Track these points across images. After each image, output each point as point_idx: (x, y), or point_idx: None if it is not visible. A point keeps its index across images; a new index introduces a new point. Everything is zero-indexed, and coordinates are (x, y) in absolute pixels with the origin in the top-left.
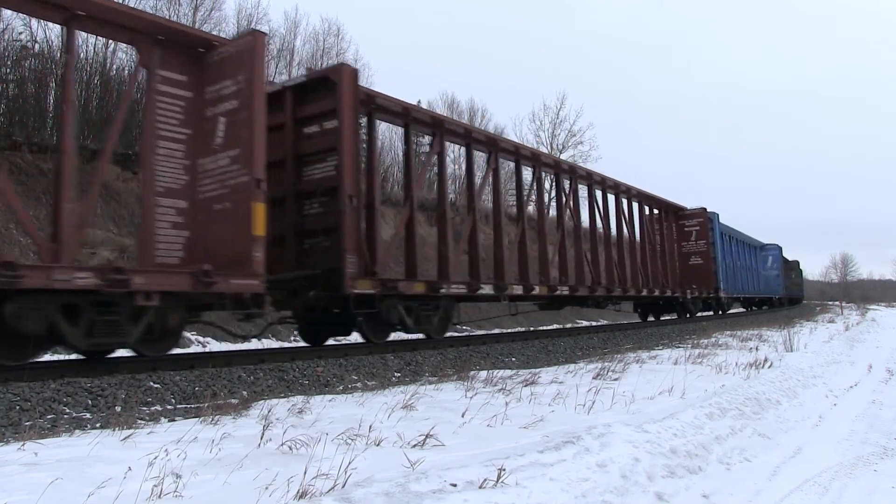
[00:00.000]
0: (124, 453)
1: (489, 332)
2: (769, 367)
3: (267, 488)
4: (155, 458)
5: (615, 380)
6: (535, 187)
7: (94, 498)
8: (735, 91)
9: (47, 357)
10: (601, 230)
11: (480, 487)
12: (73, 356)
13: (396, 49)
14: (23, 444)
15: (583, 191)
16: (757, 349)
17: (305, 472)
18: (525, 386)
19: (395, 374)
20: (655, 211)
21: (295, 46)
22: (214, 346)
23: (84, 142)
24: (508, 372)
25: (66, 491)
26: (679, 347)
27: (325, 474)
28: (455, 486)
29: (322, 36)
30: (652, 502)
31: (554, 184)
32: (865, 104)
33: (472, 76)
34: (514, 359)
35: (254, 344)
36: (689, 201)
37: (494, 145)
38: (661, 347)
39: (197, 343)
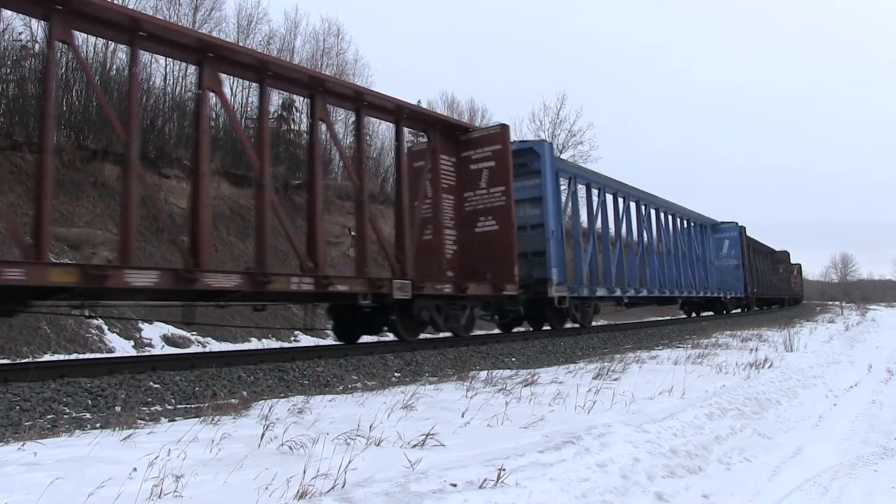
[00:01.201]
0: (124, 453)
1: (489, 332)
2: (769, 367)
3: (267, 488)
4: (155, 458)
5: (615, 380)
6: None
7: (94, 498)
8: (735, 91)
9: (47, 357)
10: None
11: (480, 487)
12: (73, 356)
13: (396, 49)
14: (23, 444)
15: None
16: (757, 349)
17: (305, 472)
18: (525, 386)
19: (395, 374)
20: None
21: (295, 46)
22: (214, 346)
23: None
24: (508, 372)
25: (66, 491)
26: (679, 347)
27: (325, 474)
28: (455, 486)
29: (322, 36)
30: (652, 502)
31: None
32: (865, 104)
33: (472, 76)
34: (514, 359)
35: (254, 344)
36: (689, 202)
37: None
38: (661, 347)
39: (197, 343)
